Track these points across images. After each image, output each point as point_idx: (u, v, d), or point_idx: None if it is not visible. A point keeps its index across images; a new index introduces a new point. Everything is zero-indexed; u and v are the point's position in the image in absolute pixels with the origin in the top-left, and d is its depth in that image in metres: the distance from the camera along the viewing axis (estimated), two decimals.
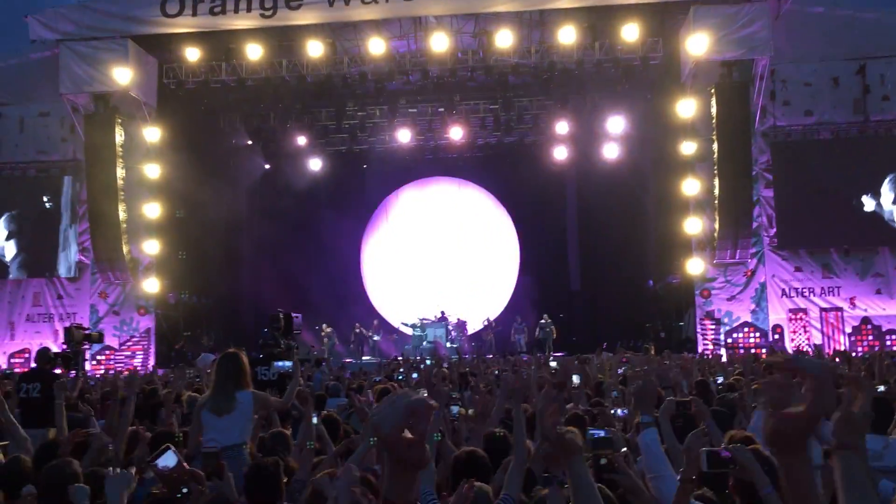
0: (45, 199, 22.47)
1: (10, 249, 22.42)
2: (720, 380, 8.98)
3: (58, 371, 9.10)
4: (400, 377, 10.29)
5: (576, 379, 9.04)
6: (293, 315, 9.54)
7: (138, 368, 19.43)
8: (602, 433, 3.27)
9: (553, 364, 12.51)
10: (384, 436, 1.49)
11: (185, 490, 2.68)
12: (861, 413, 1.95)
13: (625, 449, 3.65)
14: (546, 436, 2.18)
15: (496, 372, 12.12)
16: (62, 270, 22.20)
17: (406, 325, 25.11)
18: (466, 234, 27.54)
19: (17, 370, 19.92)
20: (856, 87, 20.53)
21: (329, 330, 24.42)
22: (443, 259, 27.01)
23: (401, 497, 1.51)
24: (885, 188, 20.48)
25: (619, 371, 10.65)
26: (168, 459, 2.75)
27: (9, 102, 22.29)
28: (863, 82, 20.46)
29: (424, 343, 23.65)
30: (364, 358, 23.57)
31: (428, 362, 14.02)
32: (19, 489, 4.20)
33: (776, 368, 1.53)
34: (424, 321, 24.52)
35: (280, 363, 7.42)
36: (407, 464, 1.50)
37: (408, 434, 1.47)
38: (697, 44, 18.87)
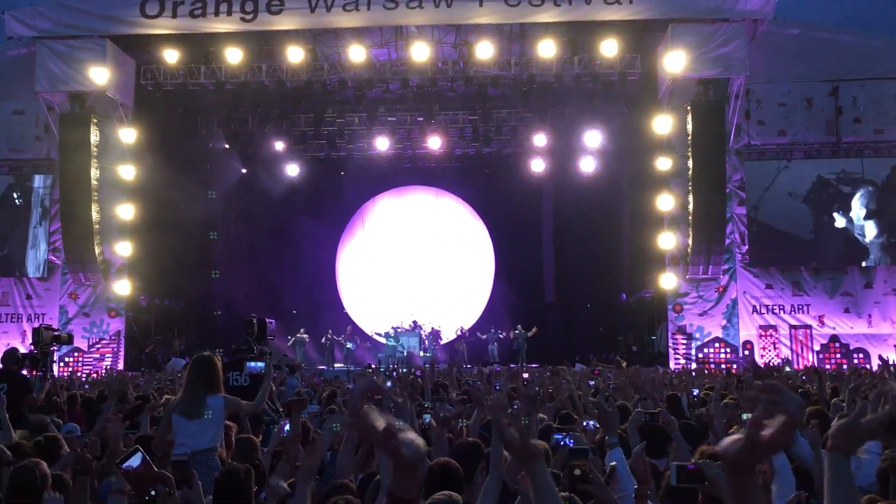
0: (15, 196, 22.16)
1: None
2: (695, 392, 9.06)
3: (25, 372, 8.98)
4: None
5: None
6: (267, 321, 9.49)
7: (112, 370, 19.22)
8: (573, 443, 3.29)
9: (525, 375, 12.52)
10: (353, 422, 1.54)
11: (153, 492, 2.66)
12: (870, 426, 2.02)
13: (613, 462, 3.66)
14: (507, 443, 2.19)
15: (469, 382, 12.12)
16: (31, 270, 21.88)
17: (379, 334, 25.07)
18: (442, 244, 27.58)
19: None
20: (829, 108, 20.88)
21: (303, 336, 24.30)
22: (418, 268, 27.02)
23: (405, 491, 1.57)
24: (856, 203, 20.82)
25: (591, 383, 10.70)
26: (136, 462, 2.74)
27: None
28: (836, 104, 20.81)
29: (398, 352, 23.60)
30: (337, 365, 23.47)
31: (403, 370, 13.98)
32: None
33: (763, 391, 1.59)
34: (398, 330, 24.48)
35: (252, 364, 7.35)
36: (400, 459, 1.54)
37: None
38: (674, 61, 19.11)
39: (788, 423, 1.55)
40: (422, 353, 23.87)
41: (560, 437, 3.59)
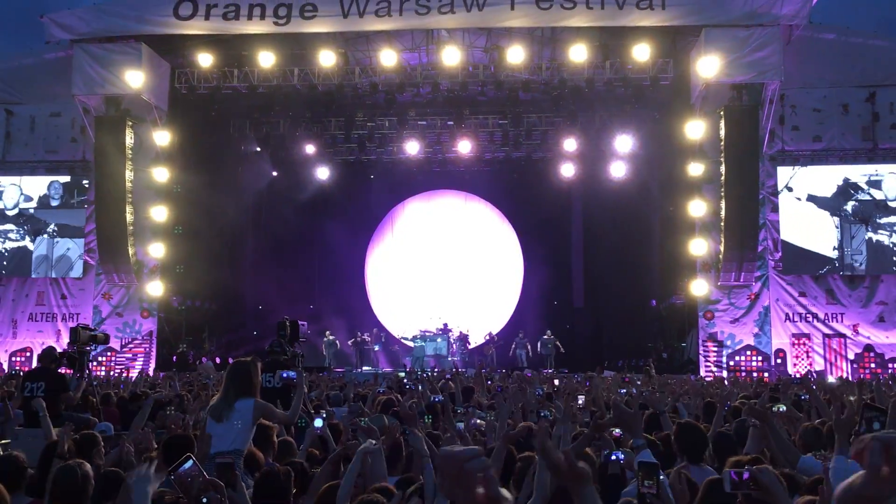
0: (52, 196, 22.56)
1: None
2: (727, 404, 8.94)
3: (62, 371, 9.09)
4: (408, 386, 10.29)
5: (580, 400, 9.02)
6: (300, 323, 9.52)
7: (141, 371, 19.44)
8: (623, 458, 3.25)
9: (556, 382, 12.46)
10: None
11: (204, 500, 2.66)
12: None
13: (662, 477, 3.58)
14: (553, 465, 2.06)
15: (499, 387, 12.09)
16: (66, 270, 22.27)
17: (406, 338, 25.10)
18: (471, 248, 27.55)
19: (17, 368, 20.00)
20: (865, 114, 20.63)
21: (332, 338, 24.41)
22: (446, 272, 27.00)
23: None
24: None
25: (622, 392, 10.63)
26: (188, 468, 2.73)
27: (21, 101, 22.41)
28: (872, 110, 20.56)
29: (425, 356, 23.61)
30: (364, 368, 23.53)
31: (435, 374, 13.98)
32: (18, 485, 4.22)
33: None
34: (426, 333, 24.49)
35: (285, 373, 7.35)
36: None
37: None
38: (708, 66, 18.96)
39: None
40: (449, 358, 23.85)
41: (613, 452, 3.53)
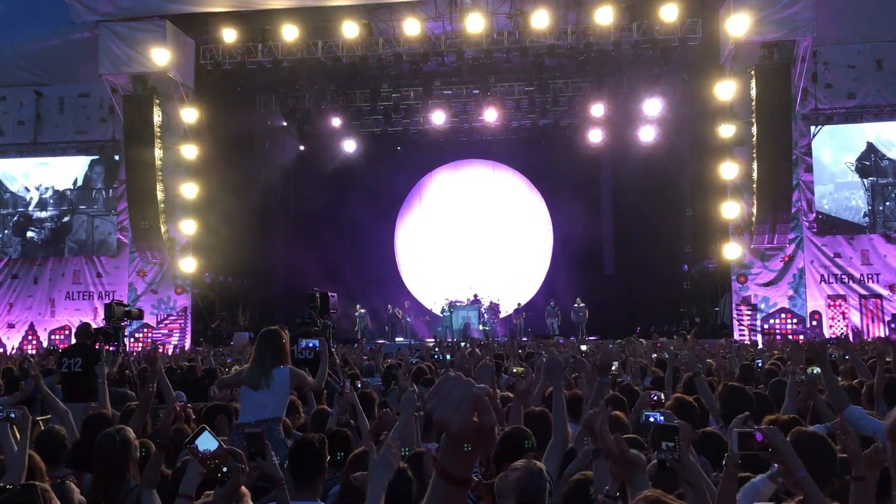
0: (83, 177, 22.87)
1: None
2: (759, 363, 8.89)
3: (98, 346, 9.22)
4: (436, 356, 10.31)
5: (614, 366, 9.00)
6: (329, 294, 9.55)
7: (175, 346, 19.75)
8: (664, 420, 3.18)
9: (584, 348, 12.40)
10: (454, 430, 1.41)
11: (224, 469, 2.63)
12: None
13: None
14: (609, 453, 2.10)
15: (541, 353, 12.06)
16: (100, 249, 22.63)
17: (437, 315, 25.14)
18: (500, 217, 27.44)
19: (55, 345, 20.41)
20: None
21: (362, 311, 24.56)
22: (476, 242, 26.96)
23: (459, 470, 1.46)
24: None
25: (654, 356, 10.61)
26: (207, 442, 2.68)
27: (49, 83, 22.62)
28: None
29: (457, 326, 23.66)
30: (397, 339, 23.66)
31: (463, 345, 14.01)
32: (57, 458, 4.30)
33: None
34: (457, 303, 24.53)
35: (309, 342, 7.33)
36: (474, 448, 1.45)
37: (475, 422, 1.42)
38: (738, 24, 18.55)
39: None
40: (480, 327, 23.89)
41: (650, 413, 3.46)
